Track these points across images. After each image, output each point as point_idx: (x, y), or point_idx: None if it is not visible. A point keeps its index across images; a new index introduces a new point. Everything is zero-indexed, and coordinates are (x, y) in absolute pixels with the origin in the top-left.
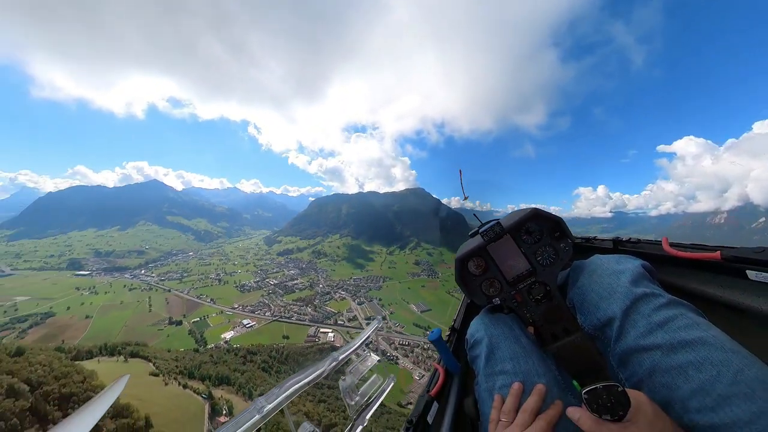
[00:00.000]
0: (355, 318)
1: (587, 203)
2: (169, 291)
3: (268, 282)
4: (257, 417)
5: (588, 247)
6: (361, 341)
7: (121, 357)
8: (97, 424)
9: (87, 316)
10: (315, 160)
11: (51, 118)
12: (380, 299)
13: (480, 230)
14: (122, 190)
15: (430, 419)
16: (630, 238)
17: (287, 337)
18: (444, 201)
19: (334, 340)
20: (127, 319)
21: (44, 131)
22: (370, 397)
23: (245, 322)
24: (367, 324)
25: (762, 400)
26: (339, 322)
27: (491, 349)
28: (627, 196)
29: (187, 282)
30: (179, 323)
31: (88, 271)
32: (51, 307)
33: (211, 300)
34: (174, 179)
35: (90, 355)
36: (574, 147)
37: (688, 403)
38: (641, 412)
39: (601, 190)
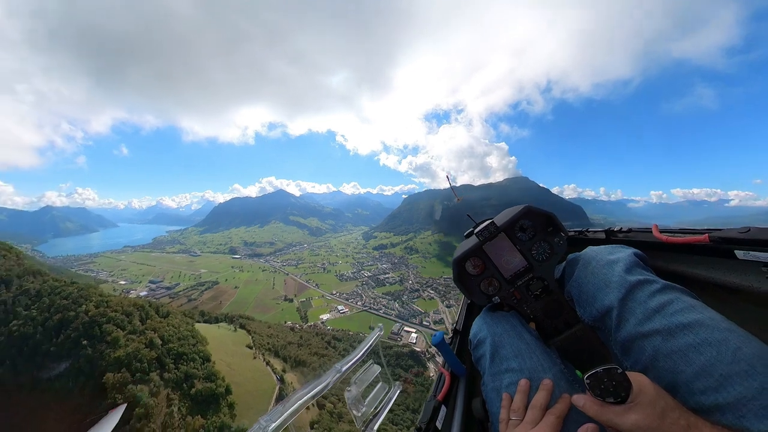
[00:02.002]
0: (441, 321)
1: None
2: (288, 274)
3: (363, 274)
4: None
5: (582, 239)
6: (363, 351)
7: (232, 326)
8: (192, 381)
9: (235, 287)
10: (404, 159)
11: (202, 154)
12: None
13: (475, 230)
14: (260, 199)
15: (439, 424)
16: (621, 228)
17: (373, 329)
18: (555, 190)
19: (415, 343)
20: (258, 292)
21: (204, 162)
22: (377, 407)
23: (340, 307)
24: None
25: (762, 376)
26: (424, 323)
27: (495, 348)
28: None
29: (300, 268)
30: (291, 300)
31: (239, 255)
32: (217, 278)
33: (316, 285)
34: (294, 188)
35: (217, 320)
36: None
37: (693, 385)
38: (643, 393)
39: None
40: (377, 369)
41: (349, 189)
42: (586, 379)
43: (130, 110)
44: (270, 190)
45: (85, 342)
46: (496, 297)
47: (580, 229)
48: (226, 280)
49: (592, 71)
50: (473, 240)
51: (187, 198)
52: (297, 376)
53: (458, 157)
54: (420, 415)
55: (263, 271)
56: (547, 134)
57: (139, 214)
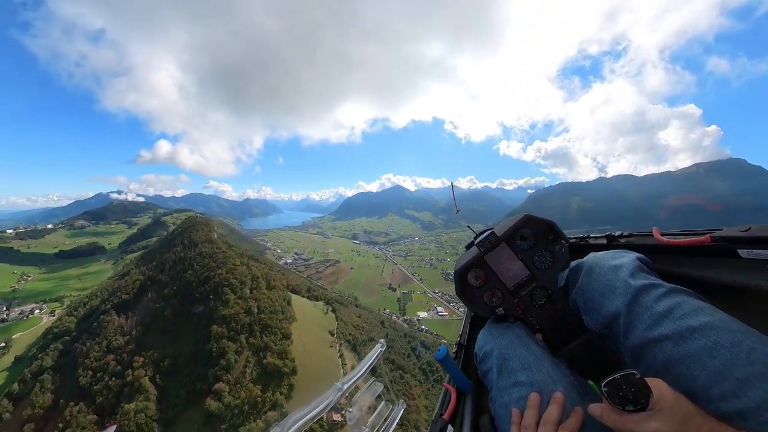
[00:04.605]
0: None
1: None
2: (396, 264)
3: None
4: None
5: (583, 246)
6: (365, 368)
7: (326, 308)
8: (267, 352)
9: (351, 267)
10: (530, 145)
11: (324, 156)
12: None
13: (475, 241)
14: (380, 193)
15: None
16: (622, 233)
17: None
18: None
19: None
20: (368, 275)
21: (330, 163)
22: (380, 428)
23: (439, 309)
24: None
25: None
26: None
27: (502, 361)
28: None
29: (408, 260)
30: (394, 290)
31: (359, 241)
32: (339, 258)
33: (420, 279)
34: (410, 183)
35: (317, 298)
36: None
37: (710, 392)
38: (663, 399)
39: None
40: (380, 387)
41: (465, 183)
42: (604, 386)
43: (271, 128)
44: (388, 185)
45: (211, 297)
46: (500, 308)
47: (581, 236)
48: (346, 260)
49: None
50: (474, 251)
51: (326, 193)
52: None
53: (612, 134)
54: None
55: (376, 257)
56: None
57: (296, 204)
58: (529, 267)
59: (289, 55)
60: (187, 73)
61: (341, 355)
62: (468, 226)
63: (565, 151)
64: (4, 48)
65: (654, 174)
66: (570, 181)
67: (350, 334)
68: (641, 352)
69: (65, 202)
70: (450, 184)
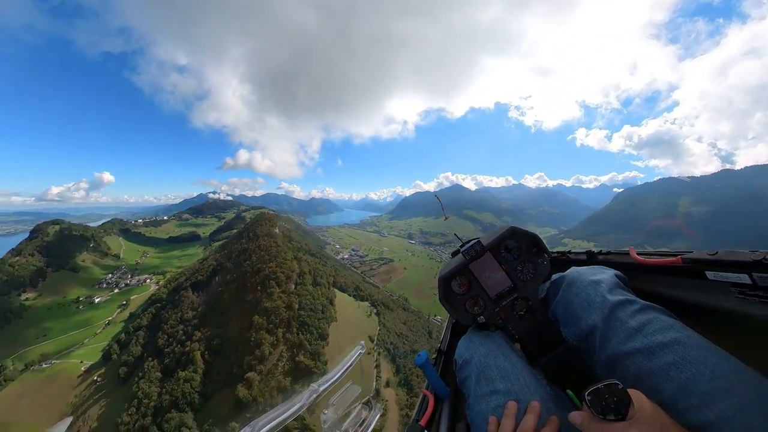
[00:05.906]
0: None
1: None
2: None
3: None
4: None
5: (565, 260)
6: (343, 369)
7: (369, 310)
8: (301, 352)
9: (405, 267)
10: (616, 132)
11: (379, 152)
12: None
13: (461, 249)
14: (437, 193)
15: None
16: (601, 250)
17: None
18: None
19: None
20: (421, 277)
21: (385, 161)
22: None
23: None
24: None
25: (740, 392)
26: None
27: (481, 369)
28: None
29: None
30: None
31: (414, 241)
32: (393, 257)
33: None
34: (469, 182)
35: (363, 299)
36: None
37: (676, 404)
38: (642, 410)
39: None
40: (357, 390)
41: (533, 181)
42: (587, 395)
43: (325, 130)
44: (446, 184)
45: (259, 288)
46: (482, 316)
47: (563, 251)
48: (399, 260)
49: None
50: (459, 258)
51: (384, 192)
52: (395, 396)
53: (747, 105)
54: None
55: (430, 258)
56: None
57: (355, 204)
58: (511, 277)
59: (330, 48)
60: (244, 83)
61: (377, 365)
62: (455, 234)
63: (668, 135)
64: (123, 90)
65: None
66: (676, 176)
67: (391, 342)
68: (615, 365)
69: (178, 200)
70: (436, 196)
